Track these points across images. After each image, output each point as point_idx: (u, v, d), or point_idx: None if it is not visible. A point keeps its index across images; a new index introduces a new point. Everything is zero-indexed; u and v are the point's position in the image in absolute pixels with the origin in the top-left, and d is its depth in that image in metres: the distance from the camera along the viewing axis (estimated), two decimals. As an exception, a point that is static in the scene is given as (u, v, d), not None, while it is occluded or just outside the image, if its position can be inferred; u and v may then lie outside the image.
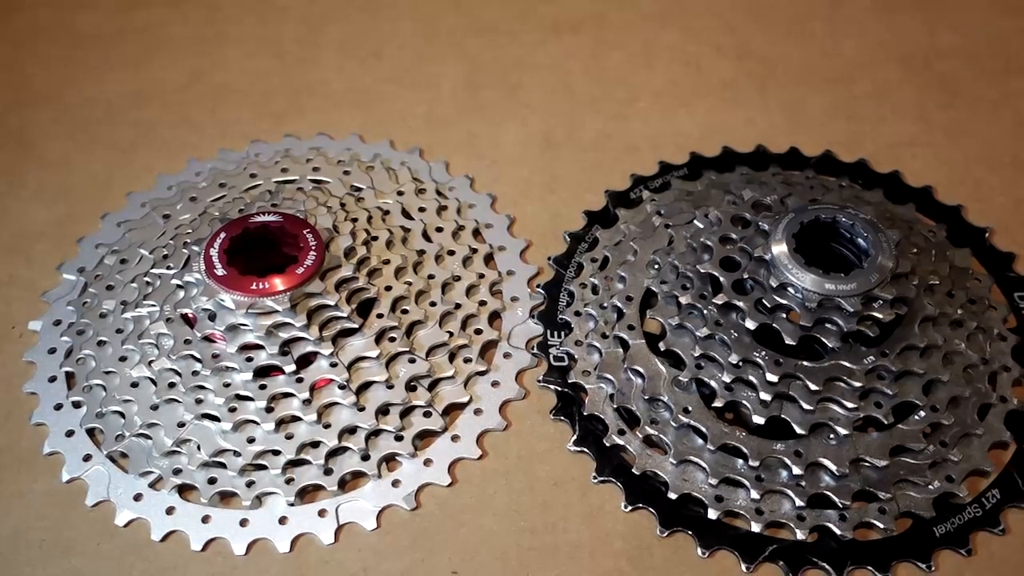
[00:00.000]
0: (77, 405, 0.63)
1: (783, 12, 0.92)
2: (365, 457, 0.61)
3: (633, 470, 0.61)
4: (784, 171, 0.76)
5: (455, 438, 0.63)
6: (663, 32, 0.90)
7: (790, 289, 0.60)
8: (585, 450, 0.62)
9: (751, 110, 0.84)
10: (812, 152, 0.78)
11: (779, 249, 0.61)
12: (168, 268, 0.65)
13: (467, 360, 0.65)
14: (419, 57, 0.89)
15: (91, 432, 0.62)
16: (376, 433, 0.62)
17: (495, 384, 0.65)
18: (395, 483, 0.61)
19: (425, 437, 0.63)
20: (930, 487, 0.59)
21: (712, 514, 0.59)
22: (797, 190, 0.68)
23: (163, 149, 0.81)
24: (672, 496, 0.60)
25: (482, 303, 0.68)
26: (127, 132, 0.83)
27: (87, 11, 0.93)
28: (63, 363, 0.65)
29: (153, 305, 0.64)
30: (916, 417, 0.60)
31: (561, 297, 0.69)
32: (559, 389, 0.65)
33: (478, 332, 0.67)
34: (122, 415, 0.62)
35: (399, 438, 0.62)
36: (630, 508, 0.60)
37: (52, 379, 0.65)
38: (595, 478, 0.61)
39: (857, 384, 0.59)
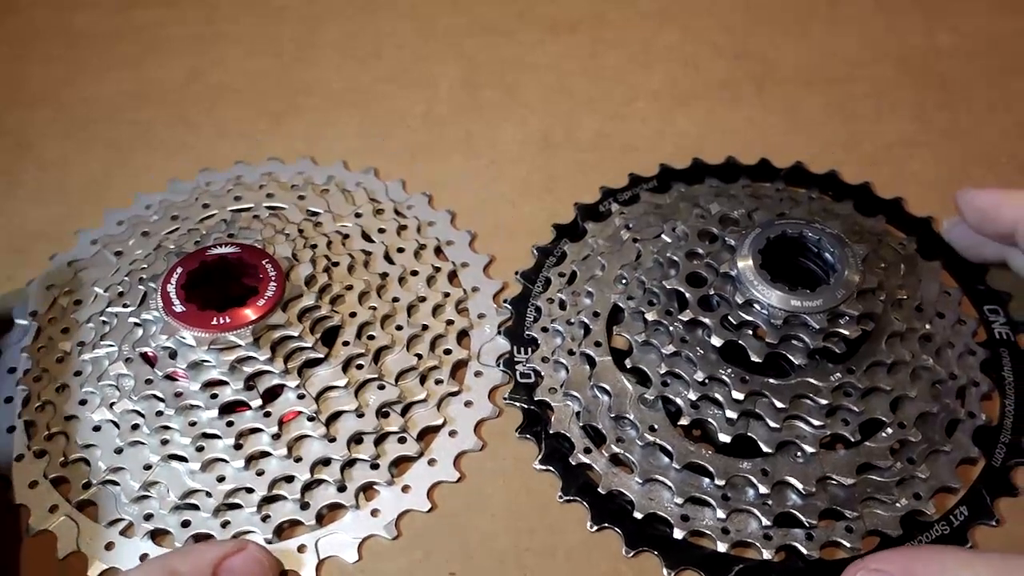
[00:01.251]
0: (39, 455, 0.61)
1: (782, 12, 0.91)
2: (341, 488, 0.60)
3: (599, 489, 0.60)
4: (754, 183, 0.74)
5: (432, 462, 0.62)
6: (661, 32, 0.89)
7: (756, 306, 0.59)
8: (551, 468, 0.61)
9: (749, 110, 0.83)
10: (810, 150, 0.77)
11: (745, 265, 0.60)
12: (124, 306, 0.64)
13: (438, 382, 0.64)
14: (417, 56, 0.88)
15: (56, 482, 0.61)
16: (351, 463, 0.61)
17: (468, 404, 0.64)
18: (374, 512, 0.60)
19: (401, 463, 0.62)
20: (897, 505, 0.58)
21: (678, 534, 0.58)
22: (765, 203, 0.67)
23: (161, 148, 0.81)
24: (638, 516, 0.59)
25: (449, 322, 0.67)
26: (125, 131, 0.83)
27: (84, 11, 0.93)
28: (22, 412, 0.63)
29: (111, 345, 0.63)
30: (883, 434, 0.59)
31: (528, 312, 0.68)
32: (525, 407, 0.64)
33: (447, 352, 0.66)
34: (87, 462, 0.60)
35: (375, 466, 0.61)
36: (596, 528, 0.59)
37: (11, 429, 0.63)
38: (561, 497, 0.60)
39: (824, 401, 0.58)
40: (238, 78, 0.87)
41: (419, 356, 0.65)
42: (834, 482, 0.58)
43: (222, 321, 0.59)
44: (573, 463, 0.61)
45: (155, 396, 0.60)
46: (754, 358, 0.58)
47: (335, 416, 0.61)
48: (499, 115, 0.83)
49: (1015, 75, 0.84)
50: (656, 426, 0.60)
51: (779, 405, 0.58)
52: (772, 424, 0.58)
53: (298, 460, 0.60)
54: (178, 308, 0.59)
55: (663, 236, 0.66)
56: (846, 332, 0.58)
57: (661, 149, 0.79)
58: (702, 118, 0.82)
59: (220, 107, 0.84)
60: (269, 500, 0.59)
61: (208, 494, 0.59)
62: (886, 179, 0.76)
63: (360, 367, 0.63)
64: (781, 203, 0.68)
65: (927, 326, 0.62)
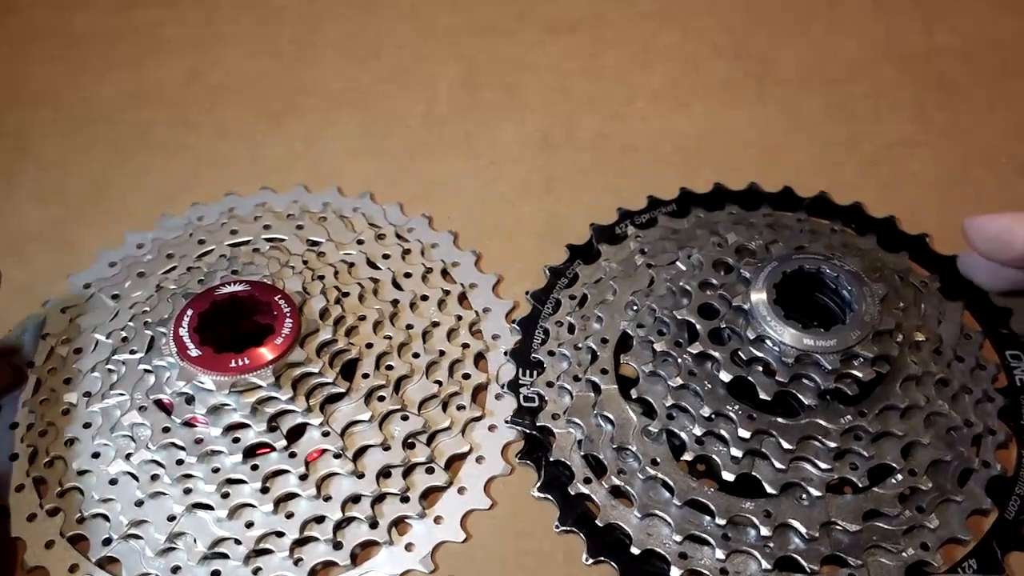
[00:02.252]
0: (53, 513, 0.58)
1: (781, 12, 0.89)
2: (373, 525, 0.58)
3: (597, 521, 0.58)
4: (775, 212, 0.72)
5: (462, 490, 0.60)
6: (661, 32, 0.88)
7: (767, 342, 0.57)
8: (549, 497, 0.60)
9: (749, 110, 0.81)
10: (810, 150, 0.76)
11: (758, 299, 0.58)
12: (131, 352, 0.62)
13: (460, 408, 0.63)
14: (417, 57, 0.87)
15: (74, 540, 0.58)
16: (380, 498, 0.59)
17: (492, 428, 0.63)
18: (408, 547, 0.58)
19: (431, 494, 0.60)
20: (904, 554, 0.56)
21: (675, 572, 0.56)
22: (784, 235, 0.65)
23: (161, 149, 0.80)
24: (635, 551, 0.57)
25: (465, 346, 0.65)
26: (124, 132, 0.82)
27: (84, 11, 0.92)
28: (29, 469, 0.60)
29: (122, 394, 0.60)
30: (893, 480, 0.57)
31: (536, 334, 0.66)
32: (527, 431, 0.62)
33: (466, 377, 0.64)
34: (106, 517, 0.58)
35: (405, 499, 0.59)
36: (591, 561, 0.57)
37: (20, 488, 0.60)
38: (558, 527, 0.59)
39: (832, 444, 0.56)
40: (238, 78, 0.86)
41: (439, 383, 0.63)
42: (839, 527, 0.56)
43: (241, 363, 0.57)
44: (572, 492, 0.59)
45: (174, 444, 0.58)
46: (763, 396, 0.56)
47: (361, 451, 0.59)
48: (499, 115, 0.82)
49: (1015, 75, 0.83)
50: (659, 460, 0.58)
51: (786, 446, 0.56)
52: (778, 464, 0.56)
53: (327, 499, 0.58)
54: (194, 352, 0.57)
55: (678, 263, 0.64)
56: (859, 374, 0.56)
57: (661, 149, 0.78)
58: (702, 118, 0.81)
59: (220, 107, 0.83)
60: (301, 543, 0.57)
61: (237, 541, 0.56)
62: (886, 179, 0.75)
63: (382, 399, 0.61)
64: (801, 235, 0.66)
65: (945, 370, 0.60)
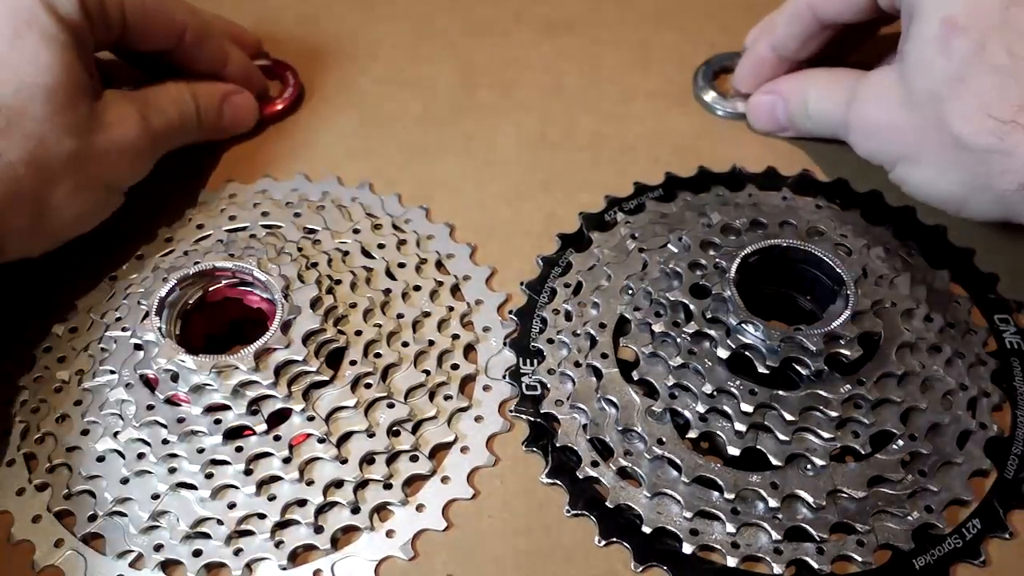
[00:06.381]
0: (41, 488, 0.56)
1: None
2: (355, 510, 0.55)
3: (607, 503, 0.56)
4: (760, 191, 0.70)
5: (445, 479, 0.57)
6: (659, 32, 0.84)
7: (749, 327, 0.55)
8: (558, 482, 0.57)
9: None
10: (810, 150, 0.73)
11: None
12: (123, 330, 0.59)
13: (447, 397, 0.60)
14: (414, 57, 0.83)
15: (60, 515, 0.56)
16: (363, 484, 0.56)
17: (478, 419, 0.60)
18: (389, 533, 0.55)
19: (414, 482, 0.57)
20: (909, 518, 0.54)
21: (687, 548, 0.54)
22: (767, 212, 0.62)
23: None
24: (647, 530, 0.55)
25: (455, 336, 0.63)
26: None
27: None
28: (20, 444, 0.58)
29: (112, 371, 0.58)
30: (894, 446, 0.55)
31: (534, 323, 0.63)
32: (531, 419, 0.59)
33: (455, 367, 0.61)
34: (92, 493, 0.56)
35: (388, 486, 0.56)
36: (604, 543, 0.55)
37: (11, 463, 0.58)
38: (568, 511, 0.56)
39: (833, 414, 0.54)
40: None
41: (427, 372, 0.60)
42: (844, 495, 0.54)
43: None
44: (580, 476, 0.57)
45: (158, 422, 0.55)
46: (761, 370, 0.54)
47: (346, 437, 0.57)
48: (496, 115, 0.78)
49: (1012, 75, 0.80)
50: (664, 439, 0.56)
51: (788, 418, 0.54)
52: (781, 437, 0.54)
53: (310, 483, 0.55)
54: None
55: (669, 246, 0.62)
56: (847, 352, 0.54)
57: (659, 148, 0.74)
58: (700, 118, 0.77)
59: (217, 108, 0.80)
60: (282, 525, 0.55)
61: (219, 522, 0.54)
62: (885, 179, 0.70)
63: (368, 386, 0.58)
64: (787, 212, 0.64)
65: (937, 336, 0.58)
